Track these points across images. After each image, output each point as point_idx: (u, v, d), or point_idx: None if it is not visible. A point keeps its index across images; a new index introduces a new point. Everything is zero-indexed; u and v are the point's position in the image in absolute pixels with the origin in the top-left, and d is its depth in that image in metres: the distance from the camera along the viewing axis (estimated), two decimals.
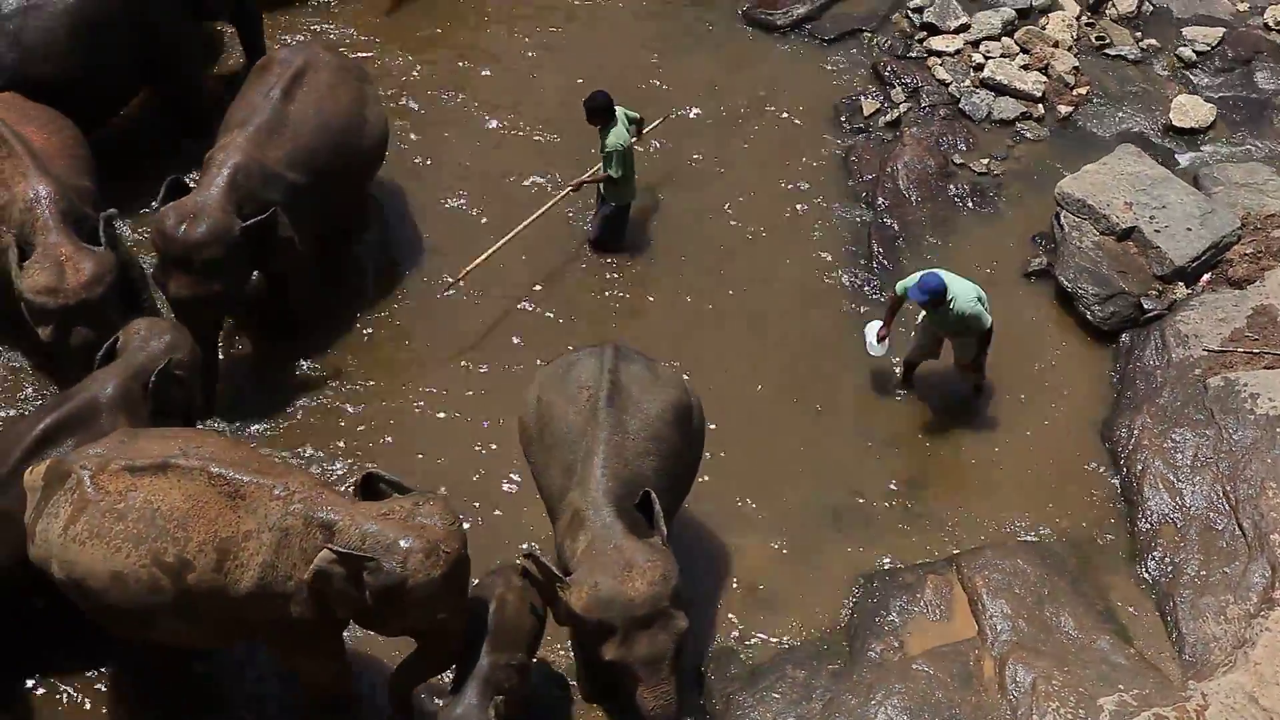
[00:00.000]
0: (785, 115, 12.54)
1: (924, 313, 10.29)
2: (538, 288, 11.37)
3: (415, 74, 12.86)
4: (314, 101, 10.73)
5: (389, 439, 10.49)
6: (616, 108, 11.21)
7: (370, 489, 8.27)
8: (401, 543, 7.76)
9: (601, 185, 11.35)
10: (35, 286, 9.68)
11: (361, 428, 10.59)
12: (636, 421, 8.77)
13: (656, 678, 8.16)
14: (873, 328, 10.49)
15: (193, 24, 12.00)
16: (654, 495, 8.39)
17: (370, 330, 11.12)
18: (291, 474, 8.33)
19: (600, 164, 11.26)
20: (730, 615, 9.59)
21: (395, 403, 10.71)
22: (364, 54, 12.79)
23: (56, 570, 8.29)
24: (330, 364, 10.89)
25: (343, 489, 8.58)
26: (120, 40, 11.24)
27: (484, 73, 12.87)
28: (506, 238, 11.29)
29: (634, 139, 11.43)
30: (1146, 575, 9.72)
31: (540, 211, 11.36)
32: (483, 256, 11.23)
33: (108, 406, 9.06)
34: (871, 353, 10.54)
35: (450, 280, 11.30)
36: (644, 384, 8.98)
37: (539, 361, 10.30)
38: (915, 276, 10.06)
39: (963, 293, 9.98)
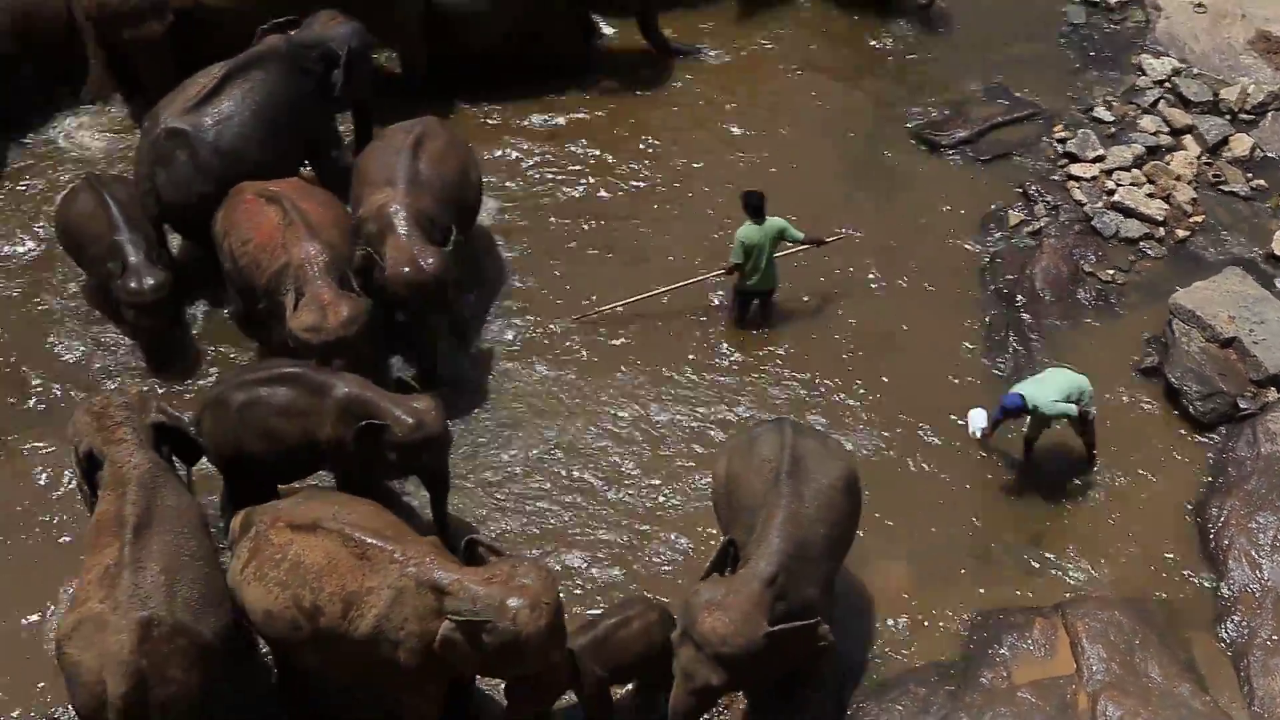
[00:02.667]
0: (942, 220, 12.41)
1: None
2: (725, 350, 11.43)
3: (630, 171, 12.94)
4: (436, 160, 11.11)
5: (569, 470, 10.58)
6: (776, 219, 11.07)
7: (471, 554, 8.34)
8: (510, 602, 7.84)
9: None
10: (302, 325, 9.98)
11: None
12: (811, 491, 8.67)
13: None
14: (977, 415, 10.32)
15: (332, 120, 12.36)
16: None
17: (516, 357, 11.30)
18: (411, 542, 8.33)
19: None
20: (867, 632, 9.59)
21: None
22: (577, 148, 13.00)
23: (236, 599, 8.58)
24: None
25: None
26: (288, 141, 11.59)
27: (688, 166, 12.91)
28: (647, 294, 11.43)
29: (793, 248, 11.37)
30: (1225, 635, 9.63)
31: (686, 282, 11.50)
32: (619, 304, 11.44)
33: (333, 401, 9.26)
34: (972, 433, 10.37)
35: (579, 316, 11.47)
36: (818, 457, 8.90)
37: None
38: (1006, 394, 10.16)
39: (1043, 397, 10.02)
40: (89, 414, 9.09)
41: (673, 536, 10.08)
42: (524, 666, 8.06)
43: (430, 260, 10.43)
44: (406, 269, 10.40)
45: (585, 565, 9.91)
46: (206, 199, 11.02)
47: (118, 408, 9.10)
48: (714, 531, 9.64)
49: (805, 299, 11.72)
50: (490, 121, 13.26)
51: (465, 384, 10.97)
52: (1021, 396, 10.04)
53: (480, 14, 12.99)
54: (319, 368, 9.61)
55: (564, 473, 10.49)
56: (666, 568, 9.93)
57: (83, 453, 8.92)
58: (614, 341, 11.38)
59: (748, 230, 11.08)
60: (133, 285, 10.58)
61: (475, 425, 10.73)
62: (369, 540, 8.24)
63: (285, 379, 9.42)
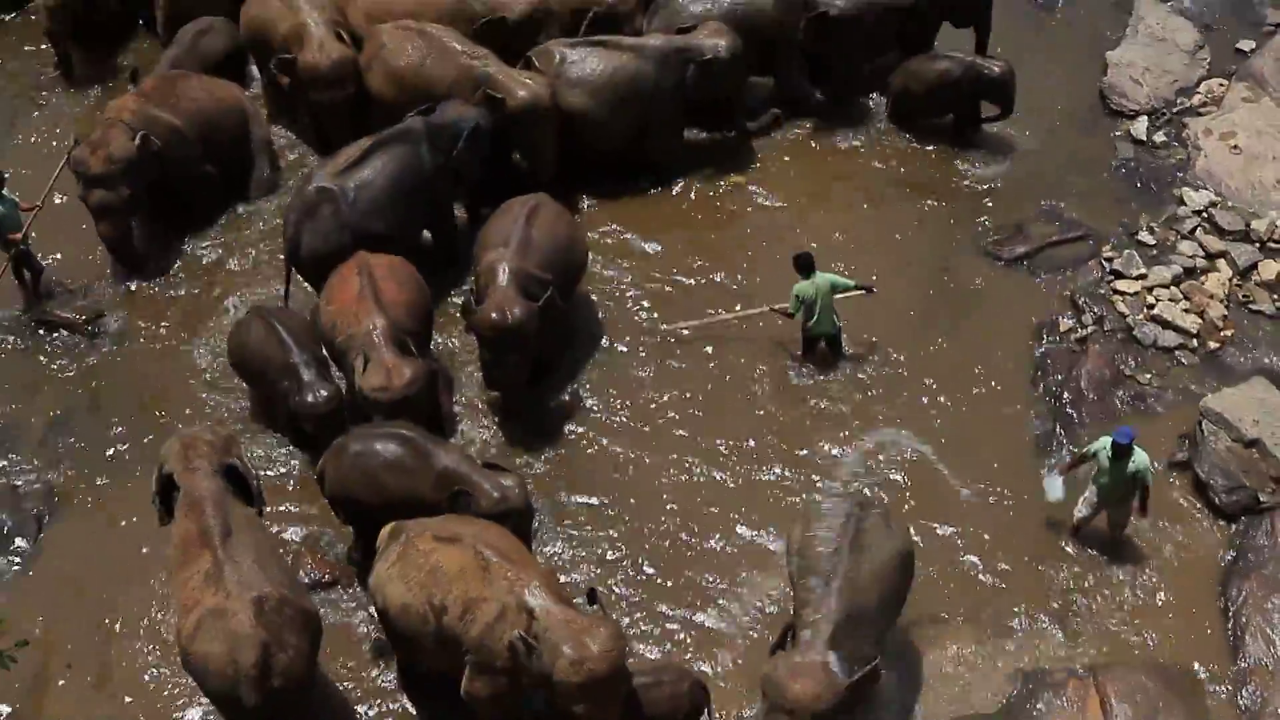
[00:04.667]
0: (1000, 325, 12.54)
1: (1100, 478, 10.33)
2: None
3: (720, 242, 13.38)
4: (548, 228, 11.67)
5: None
6: (827, 274, 11.65)
7: (589, 600, 8.78)
8: (562, 647, 8.21)
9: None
10: (371, 386, 10.47)
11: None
12: (869, 564, 8.99)
13: None
14: (1053, 480, 10.69)
15: (452, 194, 12.91)
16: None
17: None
18: (527, 567, 8.75)
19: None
20: (917, 682, 9.82)
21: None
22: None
23: (376, 598, 9.07)
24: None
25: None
26: (417, 205, 12.31)
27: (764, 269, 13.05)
28: (724, 317, 12.08)
29: (845, 294, 11.87)
30: (1241, 703, 9.73)
31: (753, 311, 12.03)
32: (699, 322, 12.12)
33: (434, 467, 9.72)
34: (1051, 498, 10.71)
35: (667, 327, 12.12)
36: (880, 534, 9.19)
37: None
38: (1106, 437, 10.21)
39: (1138, 454, 10.17)
40: (180, 442, 9.56)
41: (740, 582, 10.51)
42: (556, 703, 8.38)
43: (516, 310, 10.96)
44: (495, 314, 10.99)
45: (637, 631, 10.16)
46: (343, 250, 11.66)
47: (204, 443, 9.61)
48: (759, 603, 10.33)
49: (870, 381, 11.98)
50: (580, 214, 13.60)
51: (532, 456, 11.38)
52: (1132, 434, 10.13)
53: (603, 120, 13.56)
54: (429, 435, 10.03)
55: (624, 543, 10.78)
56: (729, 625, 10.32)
57: (164, 474, 9.39)
58: (675, 425, 11.71)
59: (801, 286, 11.72)
60: (309, 399, 10.83)
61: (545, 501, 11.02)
62: (493, 558, 8.71)
63: (398, 439, 9.86)
